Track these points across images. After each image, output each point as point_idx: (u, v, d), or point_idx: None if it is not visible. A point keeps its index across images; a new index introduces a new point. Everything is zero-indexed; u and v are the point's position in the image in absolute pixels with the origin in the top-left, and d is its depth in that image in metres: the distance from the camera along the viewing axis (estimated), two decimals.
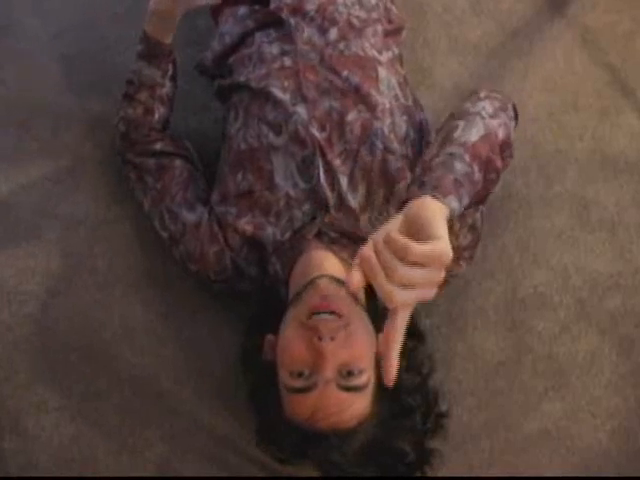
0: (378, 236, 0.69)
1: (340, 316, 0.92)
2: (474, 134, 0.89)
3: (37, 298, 1.20)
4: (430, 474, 0.99)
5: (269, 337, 1.00)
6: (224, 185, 1.09)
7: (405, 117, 1.07)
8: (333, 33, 1.09)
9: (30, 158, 1.27)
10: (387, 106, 1.05)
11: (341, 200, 1.02)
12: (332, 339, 0.90)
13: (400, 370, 0.96)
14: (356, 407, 0.92)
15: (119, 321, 1.19)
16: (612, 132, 1.31)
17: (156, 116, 1.16)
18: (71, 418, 1.15)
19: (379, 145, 1.02)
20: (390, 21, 1.16)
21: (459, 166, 0.85)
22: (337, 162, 1.02)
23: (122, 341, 1.18)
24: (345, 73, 1.06)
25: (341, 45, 1.08)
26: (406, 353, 1.00)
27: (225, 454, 1.14)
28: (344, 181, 1.02)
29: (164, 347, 1.19)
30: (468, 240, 1.05)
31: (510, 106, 1.02)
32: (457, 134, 0.90)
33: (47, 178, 1.26)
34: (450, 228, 0.74)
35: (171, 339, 1.19)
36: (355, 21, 1.11)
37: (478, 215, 1.05)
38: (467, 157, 0.86)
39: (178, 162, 1.15)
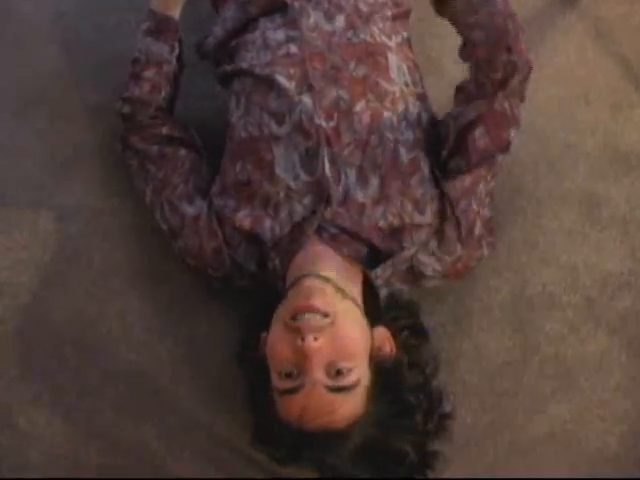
0: None
1: (325, 315, 0.91)
2: None
3: (31, 290, 1.19)
4: (433, 477, 0.97)
5: (264, 335, 0.99)
6: (224, 175, 1.07)
7: (418, 103, 1.06)
8: (340, 20, 1.07)
9: (25, 147, 1.26)
10: (397, 95, 1.03)
11: (346, 194, 1.00)
12: (315, 339, 0.89)
13: (402, 367, 0.95)
14: (347, 408, 0.90)
15: (115, 315, 1.18)
16: (624, 127, 1.29)
17: (163, 93, 1.15)
18: (64, 414, 1.14)
19: (389, 136, 1.00)
20: (397, 4, 1.14)
21: None
22: (345, 153, 1.00)
23: (118, 336, 1.17)
24: (353, 63, 1.04)
25: (349, 33, 1.06)
26: (409, 349, 0.98)
27: (222, 453, 1.13)
28: (352, 174, 1.00)
29: (161, 343, 1.17)
30: (489, 212, 1.06)
31: None
32: None
33: (42, 167, 1.25)
34: None
35: (168, 335, 1.18)
36: (363, 7, 1.09)
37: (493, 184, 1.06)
38: None
39: (182, 152, 1.13)
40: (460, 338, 1.17)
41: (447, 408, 1.01)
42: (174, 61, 1.15)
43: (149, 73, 1.13)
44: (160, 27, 1.13)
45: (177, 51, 1.16)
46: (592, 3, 1.36)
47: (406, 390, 0.96)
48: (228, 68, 1.12)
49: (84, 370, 1.15)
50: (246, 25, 1.12)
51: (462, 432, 1.11)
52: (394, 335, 1.00)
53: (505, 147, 1.03)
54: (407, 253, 1.00)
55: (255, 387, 1.01)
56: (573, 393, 1.15)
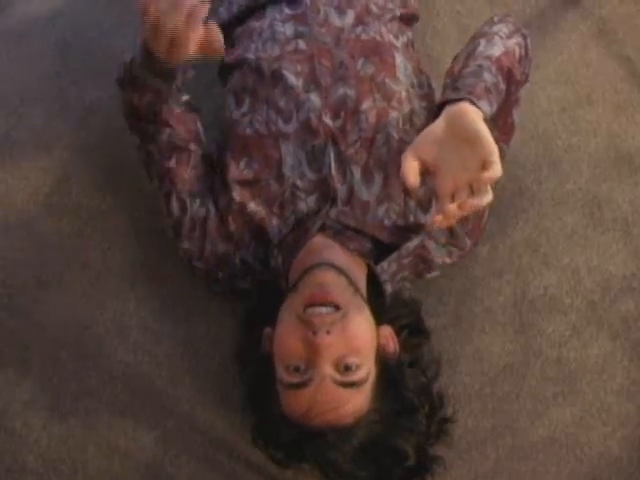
0: (423, 141, 0.84)
1: (337, 308, 0.90)
2: (496, 50, 0.98)
3: (27, 291, 1.18)
4: None
5: (267, 330, 0.98)
6: (225, 172, 1.03)
7: (425, 104, 1.05)
8: (350, 16, 1.07)
9: (22, 146, 1.25)
10: (404, 95, 1.03)
11: (351, 193, 0.99)
12: (328, 333, 0.88)
13: (404, 366, 0.96)
14: (353, 404, 0.90)
15: (112, 317, 1.17)
16: (627, 128, 1.28)
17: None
18: (60, 417, 1.13)
19: (395, 135, 1.00)
20: (405, 5, 1.14)
21: (488, 76, 0.93)
22: (351, 151, 1.00)
23: (115, 338, 1.16)
24: (361, 61, 1.03)
25: (358, 30, 1.06)
26: (410, 349, 0.99)
27: (220, 456, 1.12)
28: (357, 172, 1.00)
29: (158, 345, 1.16)
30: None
31: (521, 27, 1.07)
32: (480, 49, 0.98)
33: (39, 167, 1.24)
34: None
35: (166, 336, 1.17)
36: (373, 8, 1.08)
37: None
38: (493, 69, 0.95)
39: (193, 146, 1.05)
40: (461, 341, 1.16)
41: (448, 412, 1.00)
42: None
43: (145, 98, 1.00)
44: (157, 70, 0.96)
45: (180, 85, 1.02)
46: (595, 3, 1.35)
47: (407, 389, 0.95)
48: (232, 57, 1.09)
49: (81, 372, 1.14)
50: (252, 11, 1.10)
51: (463, 436, 1.11)
52: (396, 334, 1.00)
53: (510, 132, 1.07)
54: (411, 245, 1.00)
55: (256, 383, 1.00)
56: (575, 397, 1.14)
